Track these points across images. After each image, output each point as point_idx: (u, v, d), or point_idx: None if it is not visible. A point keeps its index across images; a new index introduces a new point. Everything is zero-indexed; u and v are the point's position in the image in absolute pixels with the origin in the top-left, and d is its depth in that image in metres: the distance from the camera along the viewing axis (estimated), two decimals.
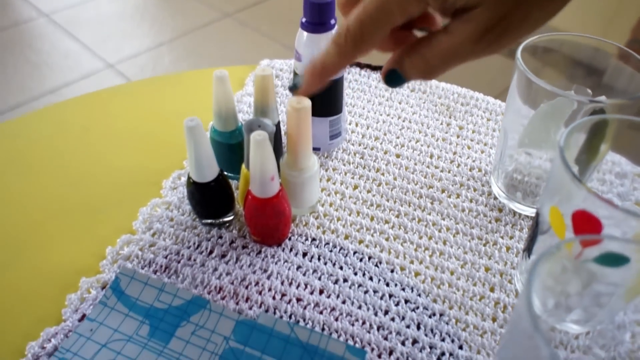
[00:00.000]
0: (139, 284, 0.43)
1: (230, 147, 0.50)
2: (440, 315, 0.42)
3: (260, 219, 0.44)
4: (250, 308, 0.42)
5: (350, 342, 0.40)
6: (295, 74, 0.36)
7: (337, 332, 0.41)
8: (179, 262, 0.46)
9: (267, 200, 0.43)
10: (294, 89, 0.36)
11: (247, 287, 0.44)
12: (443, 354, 0.40)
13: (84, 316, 0.42)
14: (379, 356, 0.40)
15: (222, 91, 0.46)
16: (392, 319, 0.42)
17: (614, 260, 0.34)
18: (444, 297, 0.44)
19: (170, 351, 0.39)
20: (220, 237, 0.48)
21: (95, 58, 1.92)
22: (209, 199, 0.46)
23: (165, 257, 0.46)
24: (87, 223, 0.50)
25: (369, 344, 0.40)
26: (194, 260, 0.46)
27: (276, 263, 0.46)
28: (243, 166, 0.47)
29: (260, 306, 0.43)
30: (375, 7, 0.30)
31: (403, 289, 0.44)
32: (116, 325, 0.41)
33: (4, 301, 0.43)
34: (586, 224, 0.34)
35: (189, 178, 0.45)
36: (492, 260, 0.47)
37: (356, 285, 0.44)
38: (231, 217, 0.49)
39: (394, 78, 0.34)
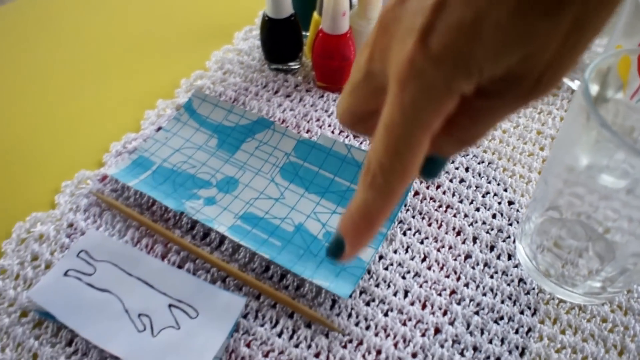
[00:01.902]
0: (210, 106, 0.47)
1: (304, 1, 0.52)
2: (489, 163, 0.44)
3: (327, 60, 0.47)
4: (310, 138, 0.46)
5: None
6: (336, 236, 0.26)
7: None
8: (246, 96, 0.49)
9: (336, 38, 0.45)
10: (336, 254, 0.26)
11: (308, 122, 0.47)
12: (488, 192, 0.42)
13: (159, 128, 0.46)
14: (427, 187, 0.42)
15: None
16: None
17: None
18: (494, 149, 0.45)
19: (236, 160, 0.43)
20: (286, 80, 0.51)
21: None
22: (281, 37, 0.48)
23: (235, 91, 0.50)
24: (164, 59, 0.54)
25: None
26: (261, 96, 0.49)
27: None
28: (314, 13, 0.49)
29: None
30: (405, 124, 0.22)
31: None
32: (188, 136, 0.45)
33: (90, 113, 0.48)
34: None
35: (264, 17, 0.48)
36: (545, 126, 0.48)
37: None
38: (298, 66, 0.52)
39: (433, 166, 0.26)
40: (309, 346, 0.33)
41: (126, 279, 0.36)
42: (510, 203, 0.42)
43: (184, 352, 0.32)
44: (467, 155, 0.45)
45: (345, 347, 0.33)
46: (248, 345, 0.33)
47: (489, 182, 0.43)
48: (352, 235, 0.25)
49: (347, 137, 0.46)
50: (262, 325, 0.34)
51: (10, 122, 0.47)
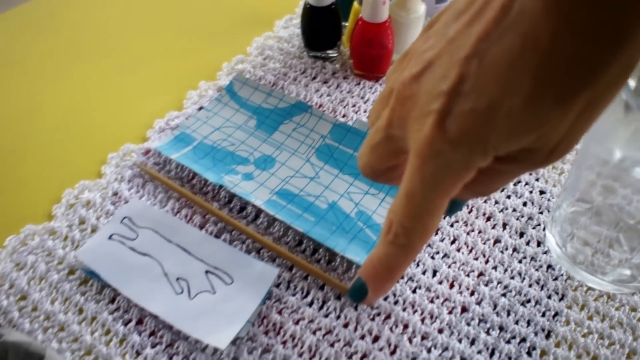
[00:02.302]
0: (250, 88, 0.48)
1: None
2: None
3: (366, 48, 0.48)
4: (346, 122, 0.47)
5: None
6: (359, 281, 0.28)
7: None
8: (285, 81, 0.51)
9: (375, 26, 0.46)
10: (359, 298, 0.28)
11: (344, 107, 0.48)
12: (519, 181, 0.43)
13: (201, 108, 0.48)
14: None
15: None
16: None
17: None
18: None
19: (274, 140, 0.44)
20: (324, 67, 0.52)
21: None
22: (321, 25, 0.50)
23: (274, 76, 0.51)
24: (207, 44, 0.56)
25: None
26: (299, 81, 0.51)
27: (373, 93, 0.50)
28: (355, 3, 0.50)
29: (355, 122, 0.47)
30: (425, 194, 0.23)
31: None
32: (228, 116, 0.46)
33: (137, 91, 0.50)
34: None
35: (305, 4, 0.49)
36: None
37: None
38: (336, 54, 0.53)
39: (452, 207, 0.29)
40: (338, 317, 0.34)
41: (166, 245, 0.38)
42: (542, 192, 0.42)
43: (219, 314, 0.34)
44: None
45: (373, 319, 0.34)
46: (280, 313, 0.35)
47: None
48: (375, 282, 0.27)
49: None
50: (293, 295, 0.36)
51: (64, 99, 0.49)
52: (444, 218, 0.40)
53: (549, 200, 0.41)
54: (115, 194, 0.41)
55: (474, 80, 0.21)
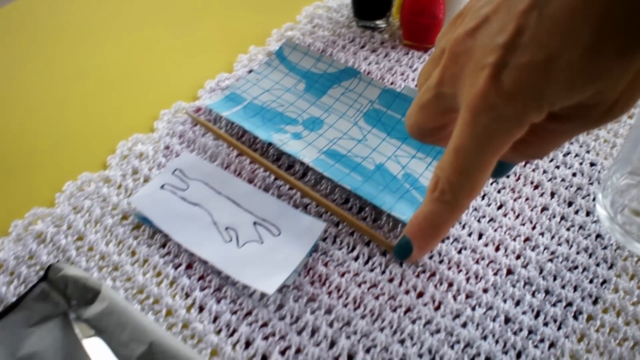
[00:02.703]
0: (300, 54, 0.49)
1: None
2: None
3: (417, 17, 0.48)
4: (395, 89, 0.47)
5: None
6: (404, 239, 0.28)
7: None
8: (334, 48, 0.51)
9: None
10: (404, 255, 0.28)
11: (392, 75, 0.48)
12: (569, 153, 0.42)
13: (251, 71, 0.49)
14: None
15: None
16: None
17: None
18: None
19: (322, 103, 0.45)
20: (373, 37, 0.52)
21: None
22: None
23: (323, 43, 0.52)
24: (257, 11, 0.56)
25: None
26: (348, 49, 0.51)
27: (421, 62, 0.49)
28: None
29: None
30: (475, 150, 0.23)
31: None
32: (278, 79, 0.47)
33: (188, 53, 0.52)
34: None
35: None
36: None
37: None
38: (384, 25, 0.53)
39: (501, 169, 0.29)
40: (383, 272, 0.35)
41: (215, 197, 0.38)
42: (592, 164, 0.41)
43: (266, 263, 0.35)
44: None
45: (418, 276, 0.35)
46: (325, 265, 0.35)
47: (571, 143, 0.43)
48: (420, 240, 0.28)
49: None
50: (339, 249, 0.36)
51: (121, 59, 0.51)
52: (490, 184, 0.40)
53: (599, 172, 0.41)
54: (167, 147, 0.42)
55: (533, 32, 0.20)
